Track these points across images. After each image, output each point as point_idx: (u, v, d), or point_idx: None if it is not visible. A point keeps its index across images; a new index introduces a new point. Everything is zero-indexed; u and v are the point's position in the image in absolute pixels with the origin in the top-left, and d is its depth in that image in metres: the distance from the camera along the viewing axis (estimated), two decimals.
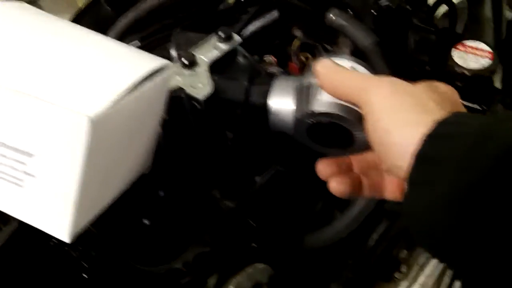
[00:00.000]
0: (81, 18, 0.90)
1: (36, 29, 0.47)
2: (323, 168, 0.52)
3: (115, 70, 0.44)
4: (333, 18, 0.65)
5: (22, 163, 0.41)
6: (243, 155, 0.66)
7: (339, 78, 0.46)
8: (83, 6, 0.91)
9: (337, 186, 0.51)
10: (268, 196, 0.67)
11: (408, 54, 0.75)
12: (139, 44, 0.83)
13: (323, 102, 0.49)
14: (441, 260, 0.42)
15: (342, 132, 0.50)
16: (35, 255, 0.59)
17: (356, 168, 0.54)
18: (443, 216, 0.36)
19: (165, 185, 0.61)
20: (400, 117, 0.41)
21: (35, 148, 0.40)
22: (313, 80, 0.51)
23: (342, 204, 0.67)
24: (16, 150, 0.41)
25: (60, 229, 0.43)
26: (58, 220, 0.42)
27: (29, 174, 0.41)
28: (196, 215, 0.63)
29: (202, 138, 0.61)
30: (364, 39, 0.62)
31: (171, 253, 0.61)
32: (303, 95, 0.52)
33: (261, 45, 0.80)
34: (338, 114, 0.48)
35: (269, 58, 0.80)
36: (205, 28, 0.76)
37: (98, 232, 0.58)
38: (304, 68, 0.80)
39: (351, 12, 0.67)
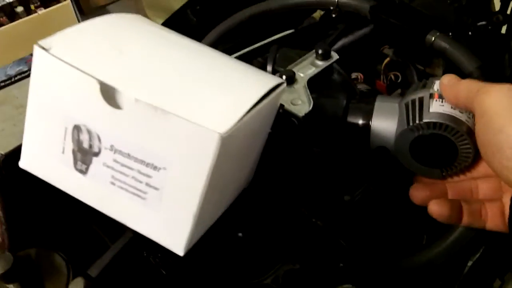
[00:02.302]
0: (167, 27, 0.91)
1: (159, 43, 0.48)
2: (418, 192, 0.53)
3: (238, 87, 0.44)
4: (435, 40, 0.64)
5: (147, 175, 0.41)
6: (333, 173, 0.66)
7: (461, 87, 0.48)
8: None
9: (437, 208, 0.51)
10: (358, 215, 0.66)
11: (505, 79, 0.73)
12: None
13: (435, 113, 0.51)
14: None
15: (446, 148, 0.51)
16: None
17: (451, 195, 0.53)
18: None
19: (260, 199, 0.61)
20: None
21: (162, 162, 0.40)
22: (422, 94, 0.53)
23: (433, 228, 0.65)
24: (142, 162, 0.41)
25: (177, 243, 0.43)
26: (176, 233, 0.43)
27: (152, 187, 0.42)
28: (287, 231, 0.63)
29: (297, 154, 0.61)
30: (469, 63, 0.60)
31: (262, 268, 0.60)
32: (412, 109, 0.53)
33: (349, 61, 0.79)
34: (448, 124, 0.50)
35: (357, 74, 0.79)
36: (292, 44, 0.75)
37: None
38: (391, 87, 0.79)
39: (451, 34, 0.65)
